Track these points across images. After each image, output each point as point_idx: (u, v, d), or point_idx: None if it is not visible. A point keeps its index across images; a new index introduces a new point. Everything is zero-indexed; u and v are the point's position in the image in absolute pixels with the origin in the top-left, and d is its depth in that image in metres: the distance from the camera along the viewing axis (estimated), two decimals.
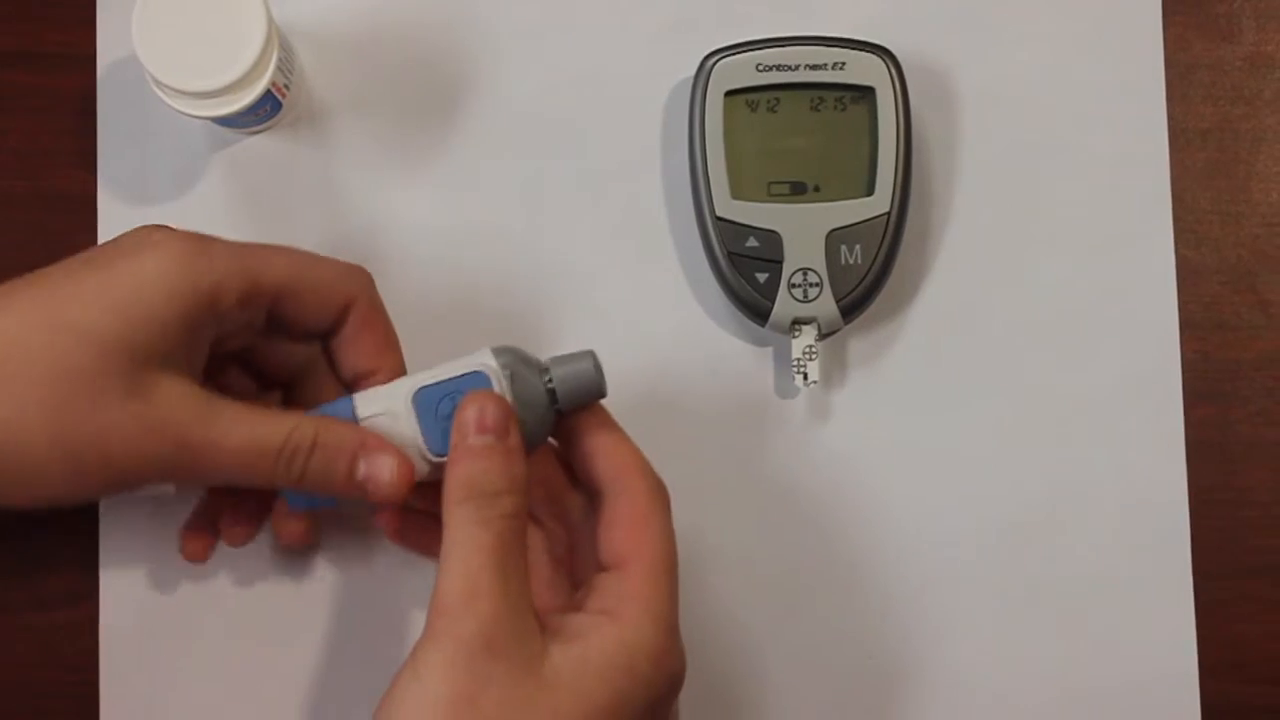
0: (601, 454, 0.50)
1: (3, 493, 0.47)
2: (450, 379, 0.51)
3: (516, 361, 0.51)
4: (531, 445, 0.51)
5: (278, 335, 0.53)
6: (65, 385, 0.46)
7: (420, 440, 0.51)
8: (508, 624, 0.45)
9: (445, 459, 0.50)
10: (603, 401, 0.51)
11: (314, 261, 0.52)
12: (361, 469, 0.50)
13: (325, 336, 0.53)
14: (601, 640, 0.45)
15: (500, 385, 0.50)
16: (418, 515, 0.54)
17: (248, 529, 0.55)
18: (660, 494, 0.50)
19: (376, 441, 0.50)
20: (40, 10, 0.60)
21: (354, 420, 0.51)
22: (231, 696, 0.58)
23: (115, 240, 0.49)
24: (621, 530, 0.49)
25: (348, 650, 0.58)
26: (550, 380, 0.51)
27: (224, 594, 0.58)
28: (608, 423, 0.51)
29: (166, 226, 0.50)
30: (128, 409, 0.46)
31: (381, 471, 0.50)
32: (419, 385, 0.51)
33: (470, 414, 0.49)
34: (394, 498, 0.50)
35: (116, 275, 0.48)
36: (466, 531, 0.47)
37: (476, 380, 0.50)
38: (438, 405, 0.51)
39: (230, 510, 0.55)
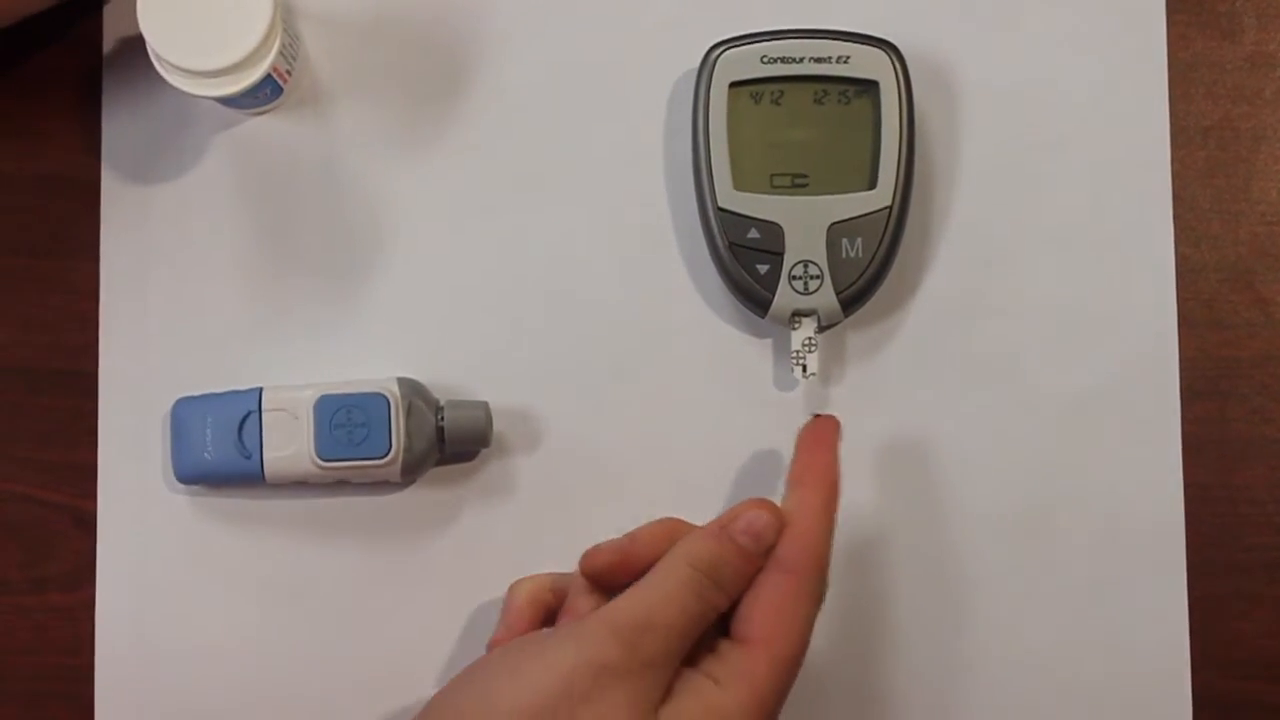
0: (789, 522, 0.51)
1: None
2: (353, 394, 0.55)
3: (415, 394, 0.56)
4: (410, 474, 0.56)
5: None
6: None
7: (311, 443, 0.55)
8: (653, 670, 0.47)
9: (330, 464, 0.55)
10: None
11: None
12: None
13: None
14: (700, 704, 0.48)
15: (397, 411, 0.55)
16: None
17: None
18: (808, 584, 0.50)
19: None
20: None
21: (259, 409, 0.56)
22: (226, 685, 0.58)
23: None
24: (760, 612, 0.50)
25: (342, 642, 0.58)
26: (442, 419, 0.55)
27: (222, 582, 0.58)
28: (808, 481, 0.52)
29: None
30: None
31: None
32: (323, 393, 0.56)
33: (752, 515, 0.50)
34: None
35: None
36: (679, 589, 0.49)
37: (377, 401, 0.55)
38: (333, 415, 0.55)
39: None
